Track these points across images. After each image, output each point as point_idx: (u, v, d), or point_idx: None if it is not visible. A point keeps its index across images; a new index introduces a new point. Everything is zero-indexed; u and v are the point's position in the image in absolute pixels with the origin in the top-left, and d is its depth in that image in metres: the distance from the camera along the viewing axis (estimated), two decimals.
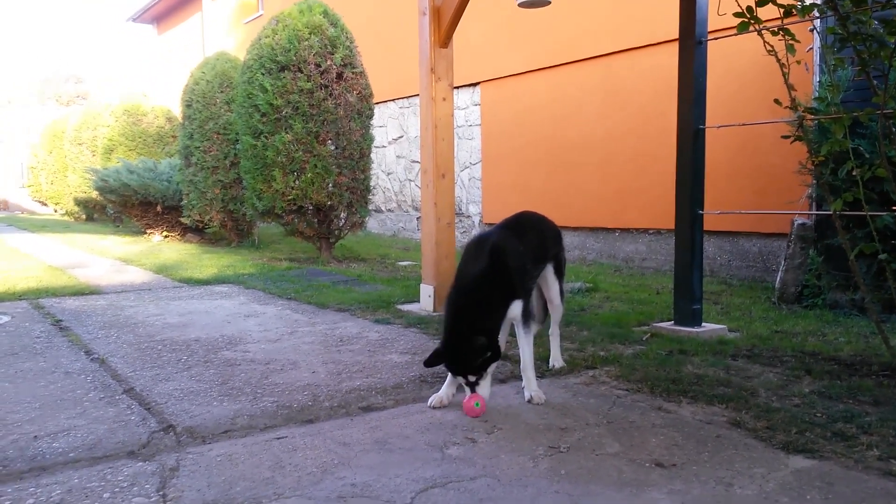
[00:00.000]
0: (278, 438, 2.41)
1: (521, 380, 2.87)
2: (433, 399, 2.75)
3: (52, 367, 3.37)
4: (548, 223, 3.23)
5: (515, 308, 2.72)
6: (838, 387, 2.93)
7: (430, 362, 2.64)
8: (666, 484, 2.03)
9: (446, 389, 2.76)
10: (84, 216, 17.33)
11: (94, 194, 12.96)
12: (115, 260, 8.26)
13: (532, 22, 8.45)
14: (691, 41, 4.03)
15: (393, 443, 2.36)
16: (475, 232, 9.98)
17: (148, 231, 11.09)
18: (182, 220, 10.09)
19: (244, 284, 6.19)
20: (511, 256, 2.76)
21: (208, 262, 7.86)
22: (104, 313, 4.80)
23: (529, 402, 2.77)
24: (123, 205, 10.72)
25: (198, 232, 10.53)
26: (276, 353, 3.64)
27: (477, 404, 2.59)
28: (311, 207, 7.65)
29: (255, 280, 6.38)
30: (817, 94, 4.94)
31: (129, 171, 10.32)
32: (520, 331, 2.81)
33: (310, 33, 7.43)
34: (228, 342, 3.92)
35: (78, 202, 16.41)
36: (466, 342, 2.53)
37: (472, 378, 2.60)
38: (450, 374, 2.73)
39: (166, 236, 10.91)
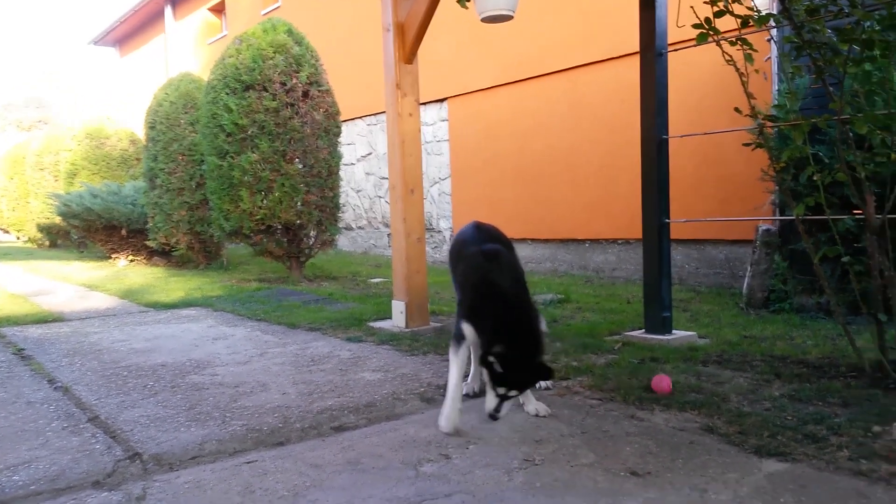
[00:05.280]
0: (248, 463, 2.35)
1: None
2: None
3: (13, 397, 3.27)
4: (501, 232, 3.07)
5: None
6: (808, 389, 2.96)
7: (499, 385, 2.39)
8: (641, 492, 2.02)
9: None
10: (48, 243, 16.94)
11: (58, 220, 12.69)
12: (80, 286, 8.08)
13: (497, 37, 8.52)
14: (652, 53, 4.08)
15: (366, 462, 2.32)
16: (446, 247, 9.98)
17: (113, 256, 10.88)
18: (148, 243, 9.92)
19: (212, 307, 6.09)
20: (520, 270, 2.71)
21: (175, 285, 7.73)
22: (68, 340, 4.67)
23: (536, 415, 2.74)
24: (87, 230, 10.50)
25: (164, 255, 10.35)
26: (246, 376, 3.57)
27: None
28: (279, 227, 7.58)
29: (224, 302, 6.28)
30: (776, 101, 5.04)
31: (92, 195, 10.12)
32: None
33: (274, 52, 7.40)
34: (196, 366, 3.84)
35: (41, 228, 16.04)
36: (530, 361, 2.39)
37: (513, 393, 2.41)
38: (493, 389, 2.41)
39: (132, 260, 10.72)
